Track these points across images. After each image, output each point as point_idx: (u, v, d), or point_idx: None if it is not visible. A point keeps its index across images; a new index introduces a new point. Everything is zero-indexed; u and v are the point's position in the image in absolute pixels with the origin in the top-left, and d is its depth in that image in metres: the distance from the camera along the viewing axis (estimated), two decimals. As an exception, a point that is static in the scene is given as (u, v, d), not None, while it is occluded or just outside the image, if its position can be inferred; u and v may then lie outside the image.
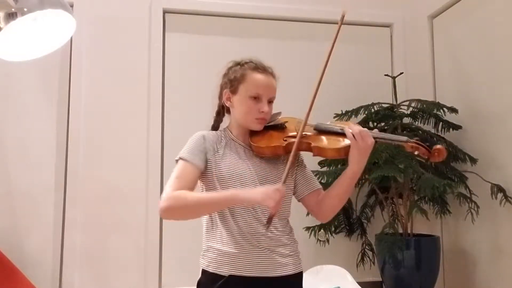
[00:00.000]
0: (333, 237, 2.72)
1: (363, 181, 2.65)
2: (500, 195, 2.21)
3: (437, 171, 2.45)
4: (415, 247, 2.42)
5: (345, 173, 1.45)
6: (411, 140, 1.40)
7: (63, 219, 2.63)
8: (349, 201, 2.73)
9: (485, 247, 2.40)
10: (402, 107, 2.65)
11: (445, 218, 2.67)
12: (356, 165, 1.42)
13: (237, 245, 1.41)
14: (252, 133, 1.52)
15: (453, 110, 2.54)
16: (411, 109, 2.63)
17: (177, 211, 1.40)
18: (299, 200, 1.58)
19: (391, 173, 2.26)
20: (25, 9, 1.11)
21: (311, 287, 2.29)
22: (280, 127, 1.55)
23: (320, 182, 2.47)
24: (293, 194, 1.56)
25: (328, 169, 2.52)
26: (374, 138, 1.41)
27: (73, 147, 2.66)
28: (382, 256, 2.50)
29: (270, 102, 1.51)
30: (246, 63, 1.53)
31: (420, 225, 2.66)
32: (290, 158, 1.40)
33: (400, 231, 2.56)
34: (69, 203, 2.62)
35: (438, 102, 2.57)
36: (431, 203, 2.52)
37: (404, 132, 2.52)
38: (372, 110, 2.61)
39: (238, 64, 1.54)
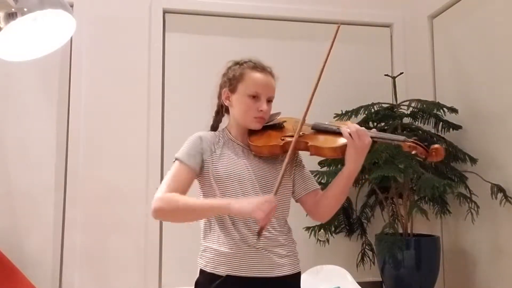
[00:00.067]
0: (333, 237, 2.72)
1: (363, 181, 2.65)
2: (500, 195, 2.21)
3: (437, 171, 2.45)
4: (415, 247, 2.42)
5: (341, 173, 1.45)
6: (409, 140, 1.40)
7: (63, 219, 2.63)
8: (349, 201, 2.73)
9: (485, 247, 2.40)
10: (402, 107, 2.66)
11: (445, 218, 2.67)
12: (352, 164, 1.41)
13: (234, 245, 1.41)
14: (251, 133, 1.52)
15: (453, 110, 2.54)
16: (411, 109, 2.63)
17: (167, 213, 1.42)
18: (296, 201, 1.57)
19: (391, 173, 2.26)
20: (25, 9, 1.11)
21: (311, 287, 2.29)
22: (278, 127, 1.55)
23: (320, 182, 2.50)
24: (291, 194, 1.56)
25: (328, 169, 2.52)
26: (372, 137, 1.41)
27: (73, 147, 2.66)
28: (382, 256, 2.50)
29: (269, 101, 1.51)
30: (245, 62, 1.53)
31: (420, 225, 2.66)
32: (287, 158, 1.40)
33: (400, 231, 2.56)
34: (69, 203, 2.62)
35: (438, 102, 2.57)
36: (431, 203, 2.52)
37: (404, 132, 2.52)
38: (372, 110, 2.61)
39: (237, 63, 1.55)
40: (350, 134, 1.39)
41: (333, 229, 2.66)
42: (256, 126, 1.51)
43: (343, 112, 2.65)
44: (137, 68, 2.77)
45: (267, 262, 1.43)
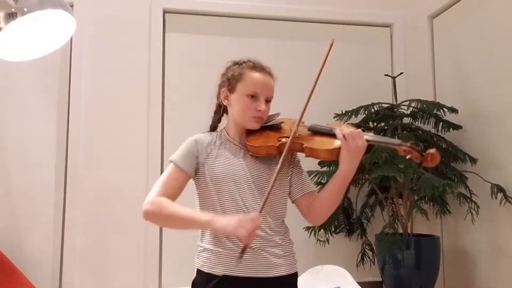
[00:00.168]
0: (333, 237, 2.72)
1: (363, 181, 2.66)
2: (500, 195, 2.21)
3: (437, 171, 2.45)
4: (415, 247, 2.42)
5: (336, 175, 1.45)
6: (404, 144, 1.39)
7: (63, 219, 2.63)
8: (349, 201, 2.73)
9: (485, 247, 2.40)
10: (402, 107, 2.65)
11: (445, 218, 2.67)
12: (346, 166, 1.41)
13: (231, 246, 1.41)
14: (249, 133, 1.53)
15: (453, 110, 2.54)
16: (411, 109, 2.63)
17: (155, 217, 1.44)
18: (293, 202, 1.57)
19: (391, 173, 2.26)
20: (25, 9, 1.11)
21: (311, 287, 2.29)
22: (276, 128, 1.55)
23: (320, 182, 2.50)
24: (288, 195, 1.56)
25: (328, 169, 2.52)
26: (367, 140, 1.41)
27: (73, 147, 2.66)
28: (382, 256, 2.50)
29: (267, 101, 1.52)
30: (244, 62, 1.54)
31: (420, 225, 2.66)
32: (280, 161, 1.41)
33: (400, 231, 2.56)
34: (69, 203, 2.62)
35: (438, 102, 2.57)
36: (431, 203, 2.52)
37: (404, 132, 2.52)
38: (372, 110, 2.61)
39: (236, 63, 1.55)
40: (343, 136, 1.39)
41: (333, 229, 2.66)
42: (254, 126, 1.51)
43: (343, 112, 2.65)
44: (137, 68, 2.77)
45: (263, 262, 1.43)
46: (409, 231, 2.52)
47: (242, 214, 1.37)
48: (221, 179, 1.45)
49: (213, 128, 1.62)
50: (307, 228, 2.57)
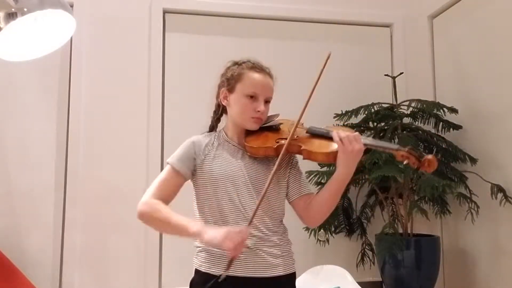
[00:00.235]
0: (333, 237, 2.72)
1: (363, 181, 2.66)
2: (500, 195, 2.21)
3: (437, 171, 2.44)
4: (415, 247, 2.42)
5: (332, 178, 1.45)
6: (402, 149, 1.39)
7: (63, 219, 2.63)
8: (349, 201, 2.74)
9: (485, 247, 2.40)
10: (402, 107, 2.65)
11: (445, 218, 2.67)
12: (343, 169, 1.41)
13: None
14: (247, 133, 1.53)
15: (453, 110, 2.53)
16: (411, 109, 2.62)
17: (149, 220, 1.45)
18: (289, 203, 1.57)
19: (391, 173, 2.26)
20: (25, 9, 1.11)
21: (311, 287, 2.29)
22: (274, 129, 1.55)
23: (320, 182, 2.50)
24: (285, 196, 1.56)
25: (328, 169, 2.52)
26: (365, 144, 1.41)
27: (73, 147, 2.66)
28: (382, 256, 2.50)
29: (266, 102, 1.52)
30: (243, 62, 1.54)
31: (420, 225, 2.66)
32: (278, 161, 1.41)
33: (400, 231, 2.56)
34: (69, 203, 2.62)
35: (438, 102, 2.57)
36: (431, 203, 2.52)
37: (404, 132, 2.52)
38: (372, 110, 2.61)
39: (236, 63, 1.55)
40: (340, 139, 1.39)
41: (333, 229, 2.66)
42: (253, 126, 1.51)
43: (343, 112, 2.65)
44: (137, 68, 2.77)
45: (261, 262, 1.43)
46: (409, 231, 2.52)
47: (230, 226, 1.37)
48: (219, 180, 1.46)
49: (212, 128, 1.62)
50: (307, 228, 2.57)
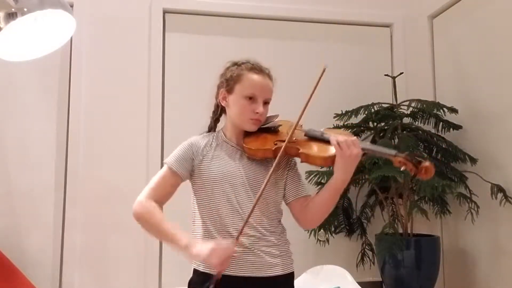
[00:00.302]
0: (333, 237, 2.72)
1: (363, 181, 2.66)
2: (500, 195, 2.21)
3: (437, 171, 2.44)
4: (415, 247, 2.42)
5: (329, 183, 1.45)
6: (400, 155, 1.39)
7: (63, 219, 2.63)
8: (349, 201, 2.74)
9: (485, 247, 2.40)
10: (402, 107, 2.65)
11: (445, 218, 2.67)
12: (340, 174, 1.41)
13: None
14: (246, 135, 1.53)
15: (453, 110, 2.53)
16: (411, 109, 2.62)
17: (142, 221, 1.45)
18: (286, 205, 1.57)
19: (391, 173, 2.26)
20: (25, 9, 1.11)
21: (311, 287, 2.29)
22: (273, 130, 1.55)
23: (320, 182, 2.50)
24: (283, 197, 1.56)
25: (328, 169, 2.52)
26: (362, 149, 1.41)
27: (73, 147, 2.66)
28: (382, 256, 2.50)
29: (265, 103, 1.52)
30: (243, 63, 1.54)
31: (420, 225, 2.66)
32: (275, 163, 1.41)
33: (400, 231, 2.56)
34: (69, 203, 2.62)
35: (438, 102, 2.57)
36: (431, 203, 2.52)
37: (404, 132, 2.52)
38: (372, 110, 2.61)
39: (235, 64, 1.55)
40: (338, 144, 1.39)
41: (333, 229, 2.66)
42: (252, 128, 1.51)
43: (343, 112, 2.65)
44: (137, 68, 2.77)
45: (259, 262, 1.43)
46: (409, 231, 2.52)
47: (217, 241, 1.37)
48: (217, 181, 1.46)
49: (211, 128, 1.62)
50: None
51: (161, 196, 1.48)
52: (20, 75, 2.66)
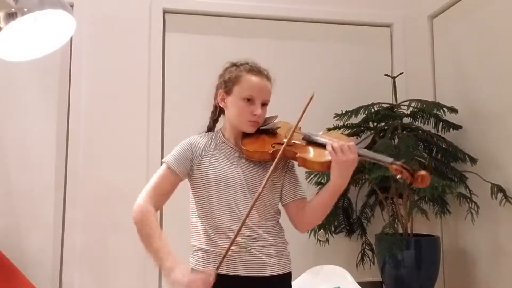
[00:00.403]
0: (333, 237, 2.72)
1: (363, 181, 2.66)
2: (500, 195, 2.21)
3: (437, 171, 2.45)
4: (415, 247, 2.42)
5: (326, 187, 1.46)
6: (396, 163, 1.39)
7: (63, 219, 2.63)
8: (349, 201, 2.74)
9: (485, 247, 2.40)
10: (402, 107, 2.65)
11: (445, 218, 2.67)
12: (336, 179, 1.42)
13: (223, 245, 1.42)
14: (244, 136, 1.53)
15: (453, 110, 2.53)
16: (411, 109, 2.62)
17: (137, 227, 1.46)
18: (282, 206, 1.57)
19: (391, 174, 2.25)
20: (25, 9, 1.11)
21: (311, 287, 2.29)
22: (271, 132, 1.55)
23: (320, 182, 2.50)
24: (279, 198, 1.56)
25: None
26: (359, 155, 1.41)
27: (73, 147, 2.66)
28: (382, 256, 2.50)
29: (264, 104, 1.52)
30: (241, 64, 1.54)
31: (420, 225, 2.66)
32: (272, 166, 1.41)
33: (400, 231, 2.56)
34: (69, 203, 2.62)
35: (438, 102, 2.57)
36: (431, 203, 2.52)
37: (404, 132, 2.52)
38: (372, 110, 2.61)
39: (234, 65, 1.55)
40: (334, 149, 1.39)
41: (333, 229, 2.66)
42: (250, 129, 1.52)
43: (343, 112, 2.65)
44: (137, 68, 2.77)
45: (256, 262, 1.44)
46: (409, 231, 2.52)
47: (197, 273, 1.37)
48: (215, 182, 1.46)
49: (210, 129, 1.63)
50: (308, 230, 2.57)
51: (161, 195, 1.48)
52: (20, 75, 2.66)
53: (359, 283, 2.27)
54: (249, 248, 1.43)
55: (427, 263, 2.43)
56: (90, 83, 2.72)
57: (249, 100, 1.49)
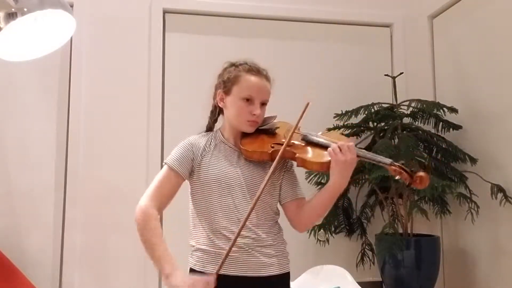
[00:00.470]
0: (333, 237, 2.72)
1: (363, 181, 2.66)
2: (500, 195, 2.21)
3: (437, 171, 2.45)
4: (415, 247, 2.42)
5: (325, 187, 1.46)
6: (395, 164, 1.40)
7: (63, 219, 2.63)
8: (349, 201, 2.74)
9: (485, 247, 2.40)
10: (402, 107, 2.65)
11: (445, 218, 2.67)
12: (336, 179, 1.42)
13: (221, 245, 1.42)
14: (243, 136, 1.53)
15: (453, 110, 2.53)
16: (411, 109, 2.62)
17: (138, 229, 1.47)
18: (281, 205, 1.57)
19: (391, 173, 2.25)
20: (25, 9, 1.11)
21: (311, 287, 2.29)
22: (270, 132, 1.55)
23: (320, 182, 2.50)
24: (278, 198, 1.56)
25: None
26: (358, 156, 1.41)
27: (73, 147, 2.66)
28: (382, 256, 2.50)
29: (263, 104, 1.52)
30: (240, 64, 1.54)
31: (420, 225, 2.66)
32: (272, 167, 1.41)
33: (400, 231, 2.56)
34: (69, 203, 2.62)
35: (438, 102, 2.57)
36: (431, 203, 2.52)
37: (404, 132, 2.52)
38: (372, 110, 2.61)
39: (232, 65, 1.55)
40: (333, 149, 1.40)
41: (333, 229, 2.66)
42: (249, 129, 1.52)
43: (343, 112, 2.65)
44: (137, 68, 2.77)
45: (254, 262, 1.44)
46: (409, 231, 2.52)
47: (197, 277, 1.38)
48: (215, 182, 1.46)
49: (210, 128, 1.63)
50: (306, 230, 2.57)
51: (164, 197, 1.48)
52: (20, 75, 2.66)
53: (359, 283, 2.27)
54: (247, 249, 1.43)
55: (427, 263, 2.43)
56: (90, 83, 2.72)
57: (248, 100, 1.49)
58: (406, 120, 2.64)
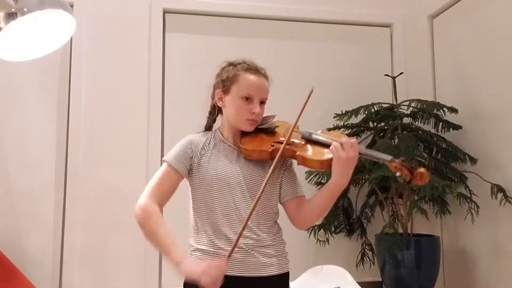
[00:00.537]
0: (333, 237, 2.72)
1: (363, 181, 2.66)
2: (500, 195, 2.21)
3: (437, 171, 2.45)
4: (415, 247, 2.42)
5: (326, 185, 1.46)
6: (396, 160, 1.39)
7: (63, 219, 2.63)
8: (349, 201, 2.74)
9: (485, 247, 2.40)
10: (402, 107, 2.65)
11: (445, 218, 2.67)
12: (337, 177, 1.41)
13: (221, 245, 1.42)
14: (243, 135, 1.53)
15: (453, 110, 2.53)
16: (411, 109, 2.63)
17: (141, 226, 1.45)
18: (281, 204, 1.57)
19: (391, 173, 2.25)
20: (25, 9, 1.11)
21: (311, 287, 2.29)
22: (270, 131, 1.55)
23: (320, 182, 2.50)
24: (278, 197, 1.56)
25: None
26: (359, 153, 1.41)
27: (73, 147, 2.66)
28: (382, 256, 2.50)
29: (262, 103, 1.52)
30: (239, 63, 1.54)
31: (420, 225, 2.66)
32: (272, 166, 1.41)
33: (400, 231, 2.56)
34: (69, 203, 2.62)
35: (438, 102, 2.57)
36: (431, 203, 2.52)
37: (404, 132, 2.52)
38: (372, 110, 2.61)
39: (231, 64, 1.55)
40: (335, 147, 1.39)
41: (333, 229, 2.66)
42: (248, 128, 1.52)
43: (343, 112, 2.65)
44: (137, 68, 2.77)
45: (254, 262, 1.44)
46: (409, 231, 2.52)
47: (209, 261, 1.37)
48: (214, 181, 1.46)
49: (208, 128, 1.63)
50: (307, 228, 2.57)
51: (164, 194, 1.47)
52: (20, 75, 2.66)
53: (359, 283, 2.27)
54: (247, 249, 1.43)
55: (427, 263, 2.43)
56: (90, 83, 2.72)
57: (247, 98, 1.49)
58: (406, 120, 2.64)
